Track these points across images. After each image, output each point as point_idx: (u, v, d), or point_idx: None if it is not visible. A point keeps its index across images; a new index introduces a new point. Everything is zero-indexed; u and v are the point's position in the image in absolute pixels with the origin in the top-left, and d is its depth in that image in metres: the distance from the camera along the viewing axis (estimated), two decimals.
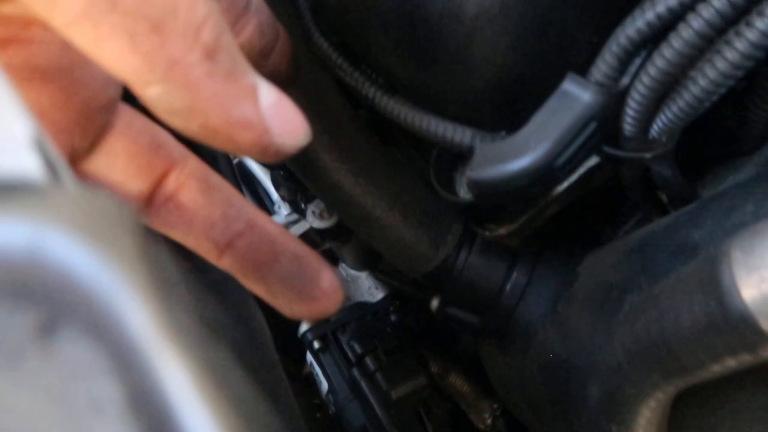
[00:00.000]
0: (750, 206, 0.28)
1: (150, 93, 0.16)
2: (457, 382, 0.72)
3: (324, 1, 0.35)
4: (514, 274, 0.44)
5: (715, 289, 0.21)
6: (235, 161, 0.88)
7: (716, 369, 0.23)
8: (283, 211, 0.77)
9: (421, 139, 0.37)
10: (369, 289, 0.68)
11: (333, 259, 0.74)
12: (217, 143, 0.18)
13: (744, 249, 0.21)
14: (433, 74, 0.30)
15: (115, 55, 0.15)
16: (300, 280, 0.24)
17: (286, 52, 0.27)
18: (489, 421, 0.69)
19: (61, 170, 0.09)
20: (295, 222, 0.69)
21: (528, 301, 0.43)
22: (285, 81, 0.23)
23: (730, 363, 0.22)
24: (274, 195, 0.71)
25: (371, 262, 0.67)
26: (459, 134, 0.31)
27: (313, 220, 0.57)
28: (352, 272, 0.69)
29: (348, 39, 0.35)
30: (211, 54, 0.16)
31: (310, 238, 0.64)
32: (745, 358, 0.22)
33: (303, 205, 0.59)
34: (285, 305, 0.25)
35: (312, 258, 0.25)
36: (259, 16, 0.23)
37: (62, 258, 0.07)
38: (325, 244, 0.66)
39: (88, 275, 0.07)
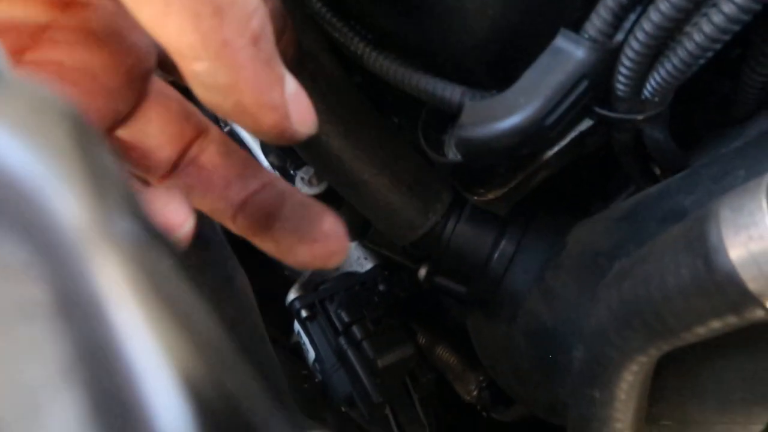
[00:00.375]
0: (741, 171, 0.28)
1: (198, 68, 0.18)
2: (444, 353, 0.72)
3: None
4: (503, 243, 0.43)
5: (702, 248, 0.21)
6: (226, 129, 0.87)
7: (701, 331, 0.23)
8: None
9: (414, 106, 0.36)
10: (358, 260, 0.67)
11: None
12: (243, 121, 0.19)
13: (733, 207, 0.20)
14: (424, 28, 0.29)
15: (177, 30, 0.17)
16: (303, 222, 0.24)
17: (293, 39, 0.28)
18: (475, 393, 0.69)
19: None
20: None
21: (516, 270, 0.43)
22: (289, 68, 0.23)
23: (716, 325, 0.22)
24: (264, 162, 0.70)
25: (361, 231, 0.66)
26: (449, 91, 0.30)
27: (302, 187, 0.56)
28: None
29: None
30: (256, 41, 0.18)
31: None
32: (731, 321, 0.22)
33: (292, 172, 0.58)
34: (288, 251, 0.24)
35: (316, 205, 0.25)
36: (272, 2, 0.24)
37: None
38: None
39: (16, 167, 0.07)
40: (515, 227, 0.44)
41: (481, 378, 0.69)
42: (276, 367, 0.33)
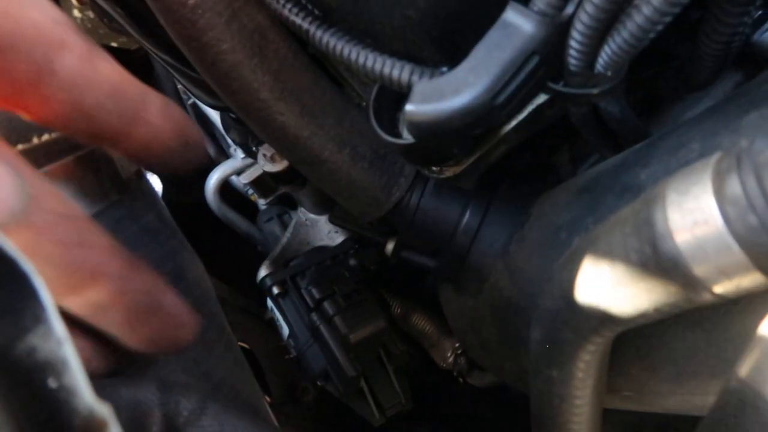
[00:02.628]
0: (696, 144, 0.27)
1: None
2: (419, 322, 0.72)
3: None
4: (467, 216, 0.43)
5: (650, 233, 0.20)
6: (189, 101, 0.85)
7: (652, 314, 0.22)
8: (239, 154, 0.75)
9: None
10: (328, 233, 0.67)
11: (292, 204, 0.73)
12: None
13: (679, 191, 0.20)
14: (370, 5, 0.28)
15: None
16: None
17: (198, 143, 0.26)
18: (450, 360, 0.70)
19: None
20: (250, 165, 0.67)
21: (481, 243, 0.43)
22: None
23: (665, 309, 0.22)
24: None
25: (329, 205, 0.66)
26: (397, 70, 0.29)
27: (265, 164, 0.54)
28: (312, 216, 0.68)
29: None
30: None
31: (264, 182, 0.62)
32: (680, 304, 0.21)
33: (254, 148, 0.57)
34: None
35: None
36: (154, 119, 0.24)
37: None
38: (280, 188, 0.64)
39: None
40: (480, 200, 0.43)
41: (456, 345, 0.70)
42: (238, 361, 0.32)
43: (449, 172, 0.35)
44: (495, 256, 0.41)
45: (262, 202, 0.72)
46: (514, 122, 0.33)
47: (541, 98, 0.31)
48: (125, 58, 0.82)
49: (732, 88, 0.40)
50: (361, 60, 0.29)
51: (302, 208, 0.69)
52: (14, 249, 0.13)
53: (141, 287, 0.22)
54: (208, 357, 0.30)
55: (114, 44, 0.81)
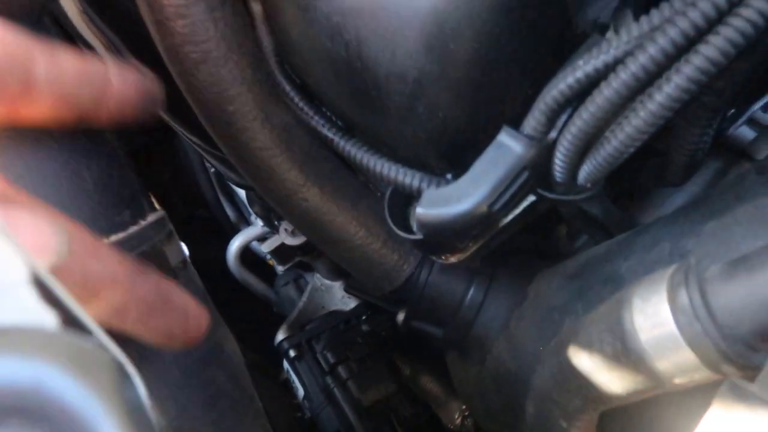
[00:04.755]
0: (667, 244, 0.32)
1: None
2: (427, 384, 0.75)
3: (285, 47, 0.37)
4: (471, 292, 0.47)
5: (620, 332, 0.25)
6: (212, 170, 0.91)
7: (627, 398, 0.26)
8: (258, 222, 0.80)
9: None
10: (342, 298, 0.71)
11: (307, 267, 0.77)
12: None
13: (642, 297, 0.24)
14: (384, 123, 0.33)
15: None
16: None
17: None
18: (458, 421, 0.73)
19: (69, 309, 0.12)
20: (269, 234, 0.72)
21: (484, 317, 0.47)
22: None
23: (637, 393, 0.26)
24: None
25: (344, 273, 0.70)
26: (409, 177, 0.34)
27: (286, 237, 0.59)
28: (326, 282, 0.72)
29: (308, 83, 0.38)
30: None
31: (284, 251, 0.67)
32: (649, 390, 0.25)
33: (276, 222, 0.61)
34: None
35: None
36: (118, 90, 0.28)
37: (59, 390, 0.10)
38: (297, 256, 0.68)
39: (78, 405, 0.10)
40: (483, 277, 0.47)
41: (463, 407, 0.73)
42: (266, 428, 0.36)
43: (453, 259, 0.39)
44: (497, 330, 0.45)
45: (280, 268, 0.77)
46: (510, 216, 0.37)
47: (533, 197, 0.36)
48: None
49: (712, 176, 0.45)
50: (378, 168, 0.34)
51: (317, 274, 0.73)
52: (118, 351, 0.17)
53: (150, 287, 0.26)
54: (240, 426, 0.34)
55: None
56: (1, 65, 0.24)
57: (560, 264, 0.44)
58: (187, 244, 0.95)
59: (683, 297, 0.23)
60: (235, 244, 0.78)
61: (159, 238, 0.33)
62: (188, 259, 0.37)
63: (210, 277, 0.65)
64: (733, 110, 0.45)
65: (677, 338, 0.23)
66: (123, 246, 0.29)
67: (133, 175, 0.36)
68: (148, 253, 0.31)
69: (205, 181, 0.88)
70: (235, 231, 0.87)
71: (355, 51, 0.30)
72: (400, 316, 0.56)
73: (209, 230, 0.95)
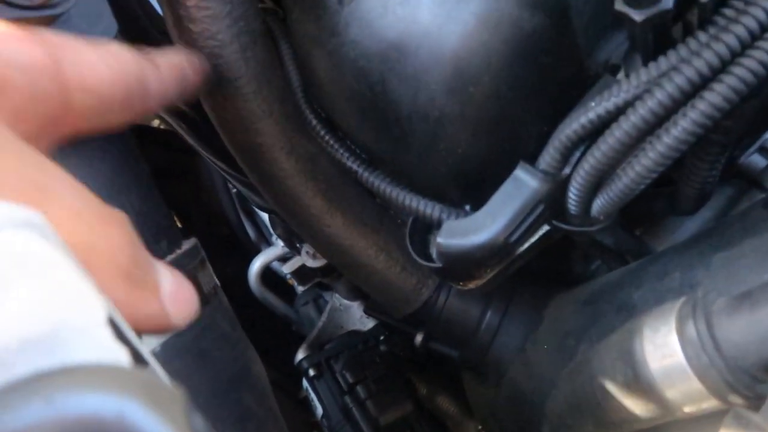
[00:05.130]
0: (677, 274, 0.33)
1: None
2: (443, 403, 0.76)
3: (312, 84, 0.40)
4: (488, 316, 0.48)
5: (631, 360, 0.26)
6: (233, 190, 0.93)
7: (639, 424, 0.28)
8: (279, 243, 0.82)
9: None
10: (360, 318, 0.73)
11: (326, 287, 0.79)
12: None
13: (652, 328, 0.26)
14: (406, 158, 0.35)
15: None
16: None
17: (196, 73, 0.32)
18: None
19: (134, 345, 0.14)
20: (290, 254, 0.74)
21: (500, 340, 0.48)
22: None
23: (649, 421, 0.27)
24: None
25: (363, 294, 0.72)
26: (429, 209, 0.36)
27: (308, 259, 0.61)
28: (345, 302, 0.74)
29: (333, 118, 0.40)
30: (126, 274, 0.19)
31: (304, 272, 0.69)
32: (660, 417, 0.27)
33: (298, 245, 0.63)
34: None
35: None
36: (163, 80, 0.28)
37: (140, 422, 0.12)
38: (317, 277, 0.70)
39: (147, 429, 0.12)
40: (499, 301, 0.49)
41: (479, 427, 0.74)
42: None
43: (471, 285, 0.41)
44: (513, 353, 0.46)
45: (299, 288, 0.78)
46: (526, 245, 0.39)
47: (548, 227, 0.38)
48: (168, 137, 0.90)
49: (725, 203, 0.46)
50: (400, 199, 0.36)
51: (336, 294, 0.75)
52: None
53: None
54: None
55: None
56: (128, 85, 0.25)
57: (575, 289, 0.45)
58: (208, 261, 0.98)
59: (691, 329, 0.24)
60: (257, 264, 0.80)
61: (193, 265, 0.35)
62: (218, 285, 0.39)
63: (230, 294, 0.67)
64: (745, 139, 0.46)
65: (685, 368, 0.24)
66: None
67: (165, 206, 0.38)
68: None
69: (227, 201, 0.91)
70: (255, 250, 0.90)
71: (380, 92, 0.32)
72: (419, 338, 0.57)
73: (230, 248, 0.97)
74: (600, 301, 0.39)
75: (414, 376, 0.76)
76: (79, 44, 0.23)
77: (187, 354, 0.28)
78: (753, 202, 0.36)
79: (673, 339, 0.24)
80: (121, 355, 0.14)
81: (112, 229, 0.19)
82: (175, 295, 0.21)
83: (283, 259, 0.80)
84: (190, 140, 0.60)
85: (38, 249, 0.13)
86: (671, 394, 0.25)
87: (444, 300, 0.50)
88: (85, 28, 0.30)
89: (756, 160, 0.47)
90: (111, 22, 0.32)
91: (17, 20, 0.27)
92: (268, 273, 0.88)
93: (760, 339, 0.22)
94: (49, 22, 0.29)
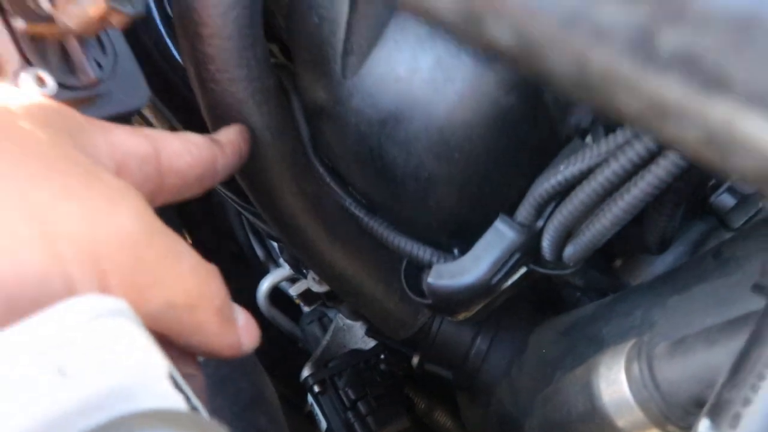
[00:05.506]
0: (639, 313, 0.38)
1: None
2: (441, 417, 0.81)
3: (319, 137, 0.44)
4: (477, 342, 0.53)
5: (590, 393, 0.31)
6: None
7: None
8: (287, 265, 0.87)
9: None
10: (362, 337, 0.77)
11: (331, 307, 0.84)
12: (207, 356, 0.28)
13: (607, 366, 0.30)
14: (401, 209, 0.40)
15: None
16: None
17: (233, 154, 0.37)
18: None
19: (186, 392, 0.19)
20: (297, 277, 0.79)
21: (489, 364, 0.53)
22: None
23: None
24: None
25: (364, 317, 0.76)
26: (422, 252, 0.40)
27: (314, 285, 0.66)
28: (348, 321, 0.79)
29: (338, 167, 0.45)
30: (220, 313, 0.26)
31: (310, 295, 0.74)
32: None
33: (305, 270, 0.68)
34: None
35: None
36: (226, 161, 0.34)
37: None
38: (321, 300, 0.75)
39: None
40: (488, 328, 0.53)
41: None
42: None
43: (461, 317, 0.45)
44: (500, 376, 0.51)
45: (305, 308, 0.83)
46: (510, 281, 0.44)
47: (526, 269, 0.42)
48: None
49: (698, 238, 0.50)
50: (396, 243, 0.41)
51: (340, 314, 0.79)
52: None
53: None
54: None
55: None
56: (204, 167, 0.31)
57: (556, 319, 0.50)
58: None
59: (636, 369, 0.29)
60: (265, 285, 0.85)
61: None
62: None
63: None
64: (713, 180, 0.51)
65: (631, 402, 0.29)
66: None
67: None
68: None
69: (237, 223, 0.96)
70: (263, 268, 0.95)
71: (378, 154, 0.37)
72: (415, 360, 0.62)
73: (239, 264, 1.02)
74: (575, 333, 0.43)
75: (412, 392, 0.80)
76: (170, 136, 0.30)
77: (211, 381, 0.32)
78: (706, 251, 0.41)
79: (622, 377, 0.29)
80: (178, 402, 0.19)
81: (213, 280, 0.26)
82: (245, 328, 0.28)
83: (291, 279, 0.85)
84: None
85: (125, 329, 0.17)
86: (621, 423, 0.29)
87: (438, 326, 0.54)
88: (124, 100, 0.35)
89: (725, 199, 0.51)
90: (145, 91, 0.37)
91: (72, 100, 0.32)
92: (275, 291, 0.93)
93: (690, 379, 0.27)
94: (96, 99, 0.34)
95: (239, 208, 0.69)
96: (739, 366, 0.23)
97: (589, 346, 0.40)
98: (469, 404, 0.57)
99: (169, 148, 0.29)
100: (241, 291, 0.93)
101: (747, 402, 0.22)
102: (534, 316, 0.54)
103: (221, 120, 0.42)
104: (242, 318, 0.28)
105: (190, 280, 0.25)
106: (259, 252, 0.99)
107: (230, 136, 0.37)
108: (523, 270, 0.42)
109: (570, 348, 0.43)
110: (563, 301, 0.56)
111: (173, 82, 0.52)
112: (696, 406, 0.27)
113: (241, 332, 0.28)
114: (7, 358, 0.16)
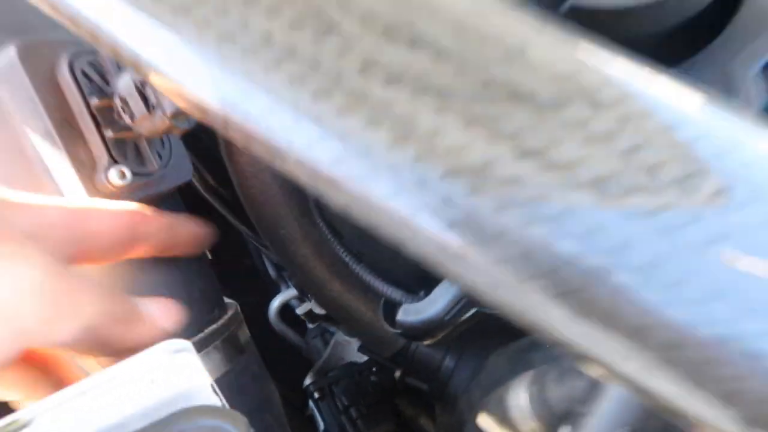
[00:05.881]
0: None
1: None
2: (425, 424, 0.93)
3: (319, 201, 0.57)
4: (446, 360, 0.65)
5: (504, 405, 0.42)
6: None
7: None
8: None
9: None
10: (357, 352, 0.89)
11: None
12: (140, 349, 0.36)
13: (497, 400, 0.42)
14: (380, 261, 0.52)
15: None
16: None
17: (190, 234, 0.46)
18: None
19: (220, 396, 0.30)
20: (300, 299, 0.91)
21: (455, 381, 0.64)
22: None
23: None
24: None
25: None
26: (395, 294, 0.53)
27: (315, 307, 0.78)
28: (346, 338, 0.91)
29: (334, 224, 0.57)
30: (123, 320, 0.34)
31: (314, 314, 0.86)
32: None
33: (308, 295, 0.81)
34: None
35: None
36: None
37: (230, 429, 0.29)
38: (323, 319, 0.88)
39: None
40: (455, 349, 0.65)
41: None
42: None
43: (428, 342, 0.57)
44: (462, 392, 0.63)
45: (310, 325, 0.96)
46: (467, 315, 0.55)
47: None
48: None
49: None
50: (375, 285, 0.53)
51: (339, 332, 0.92)
52: None
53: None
54: None
55: None
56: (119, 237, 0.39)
57: (514, 342, 0.61)
58: (232, 289, 1.16)
59: (534, 389, 0.40)
60: (276, 303, 0.98)
61: (235, 326, 0.52)
62: (250, 337, 0.56)
63: (251, 321, 0.84)
64: None
65: (529, 414, 0.40)
66: (213, 335, 0.48)
67: (216, 281, 0.55)
68: (226, 339, 0.50)
69: (252, 246, 1.08)
70: (274, 284, 1.07)
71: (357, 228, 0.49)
72: (398, 374, 0.74)
73: (252, 276, 1.15)
74: (514, 359, 0.55)
75: (400, 401, 0.92)
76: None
77: (229, 389, 0.44)
78: None
79: (525, 395, 0.41)
80: (217, 401, 0.31)
81: (108, 298, 0.34)
82: (160, 312, 0.37)
83: (298, 297, 0.98)
84: (227, 215, 0.78)
85: (187, 358, 0.30)
86: (526, 428, 0.41)
87: (415, 347, 0.67)
88: (176, 178, 0.48)
89: None
90: (190, 168, 0.50)
91: (141, 183, 0.45)
92: (285, 307, 1.05)
93: (563, 396, 0.39)
94: (157, 180, 0.46)
95: (251, 240, 0.82)
96: (591, 387, 0.35)
97: (519, 371, 0.52)
98: (442, 412, 0.69)
99: (86, 217, 0.35)
100: (255, 305, 1.06)
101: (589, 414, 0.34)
102: (500, 339, 0.66)
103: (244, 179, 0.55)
104: (154, 307, 0.35)
105: (89, 308, 0.31)
106: (272, 272, 1.12)
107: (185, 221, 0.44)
108: (473, 309, 0.54)
109: (512, 369, 0.55)
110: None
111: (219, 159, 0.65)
112: (567, 414, 0.39)
113: (156, 320, 0.35)
114: (127, 372, 0.28)
